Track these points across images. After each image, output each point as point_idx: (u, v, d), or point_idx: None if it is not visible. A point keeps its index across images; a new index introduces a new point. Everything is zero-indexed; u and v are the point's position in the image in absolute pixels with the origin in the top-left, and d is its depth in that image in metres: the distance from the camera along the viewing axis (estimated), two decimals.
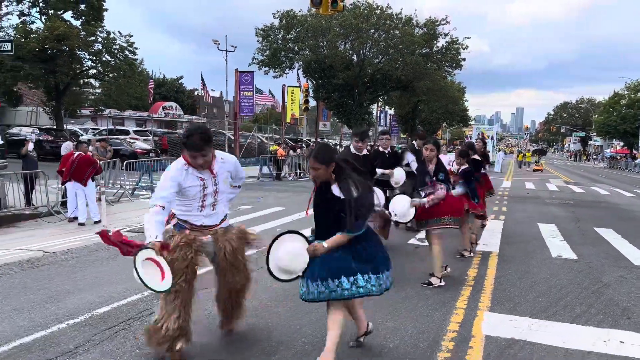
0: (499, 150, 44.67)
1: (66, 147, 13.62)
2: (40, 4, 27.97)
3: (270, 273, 3.51)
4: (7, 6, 27.66)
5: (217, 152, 3.83)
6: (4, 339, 4.09)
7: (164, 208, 3.55)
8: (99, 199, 10.06)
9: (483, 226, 9.20)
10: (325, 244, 3.38)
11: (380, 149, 7.51)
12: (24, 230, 9.36)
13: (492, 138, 42.35)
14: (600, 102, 75.73)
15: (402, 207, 5.70)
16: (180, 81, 64.79)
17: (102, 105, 29.92)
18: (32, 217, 10.36)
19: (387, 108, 55.96)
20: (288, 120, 33.64)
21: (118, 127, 32.94)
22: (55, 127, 28.71)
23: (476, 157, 8.30)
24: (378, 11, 34.32)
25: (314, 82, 37.19)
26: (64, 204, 10.62)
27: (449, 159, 10.54)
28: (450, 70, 39.04)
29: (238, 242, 3.95)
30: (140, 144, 26.31)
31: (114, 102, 31.10)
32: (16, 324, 4.41)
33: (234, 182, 4.09)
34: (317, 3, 13.63)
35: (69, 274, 6.13)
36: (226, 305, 4.15)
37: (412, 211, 5.69)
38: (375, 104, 46.52)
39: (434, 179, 5.80)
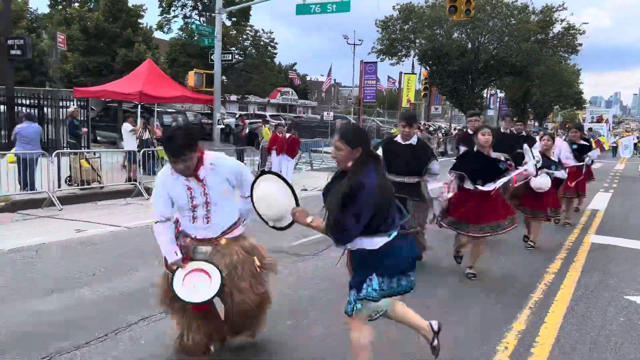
0: (615, 136, 41.15)
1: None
2: (200, 8, 33.38)
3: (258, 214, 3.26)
4: (173, 10, 33.40)
5: (208, 156, 3.27)
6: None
7: (166, 220, 3.34)
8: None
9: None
10: (310, 219, 2.95)
11: (469, 131, 7.41)
12: None
13: (607, 121, 41.79)
14: None
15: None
16: (294, 67, 70.35)
17: (246, 94, 34.93)
18: None
19: (498, 91, 56.62)
20: (404, 104, 36.55)
21: (256, 112, 38.15)
22: (210, 111, 34.23)
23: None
24: (494, 0, 35.93)
25: (428, 68, 39.69)
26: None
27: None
28: (566, 55, 39.51)
29: (244, 257, 3.41)
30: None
31: (260, 90, 36.10)
32: None
33: (242, 192, 3.44)
34: (453, 12, 16.55)
35: None
36: (234, 324, 3.55)
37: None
38: (487, 88, 47.82)
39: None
